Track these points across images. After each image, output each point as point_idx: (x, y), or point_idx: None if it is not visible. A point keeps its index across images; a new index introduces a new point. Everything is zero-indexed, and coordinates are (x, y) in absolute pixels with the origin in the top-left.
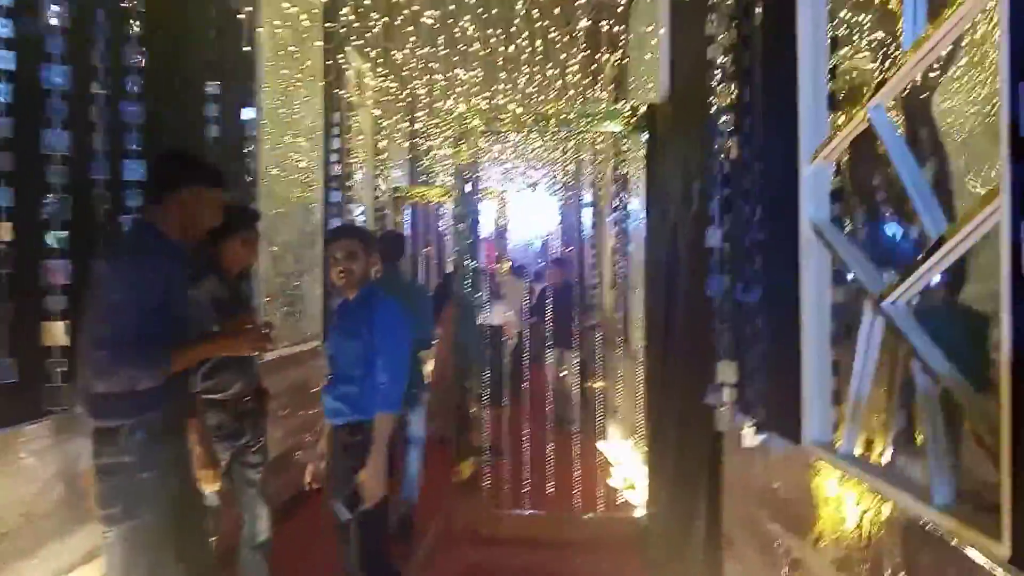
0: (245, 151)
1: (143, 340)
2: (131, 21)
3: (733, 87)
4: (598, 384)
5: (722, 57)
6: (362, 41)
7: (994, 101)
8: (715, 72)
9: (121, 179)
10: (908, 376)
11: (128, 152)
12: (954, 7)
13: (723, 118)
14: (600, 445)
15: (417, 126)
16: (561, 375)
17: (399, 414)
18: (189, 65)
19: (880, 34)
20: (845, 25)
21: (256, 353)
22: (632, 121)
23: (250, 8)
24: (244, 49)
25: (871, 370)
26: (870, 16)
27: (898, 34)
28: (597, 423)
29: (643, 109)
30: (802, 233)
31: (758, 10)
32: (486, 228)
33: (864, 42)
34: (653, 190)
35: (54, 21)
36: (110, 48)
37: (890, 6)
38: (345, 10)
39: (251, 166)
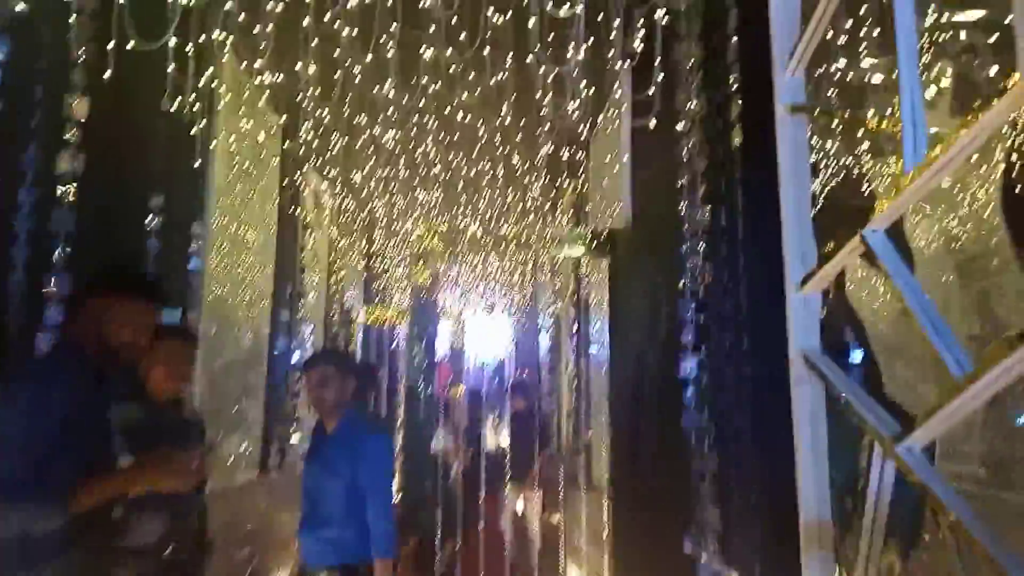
0: (188, 267)
1: (40, 476)
2: (69, 126)
3: (707, 211)
4: (557, 519)
5: (695, 181)
6: (321, 161)
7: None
8: (684, 197)
9: (41, 292)
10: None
11: (53, 264)
12: (961, 129)
13: (694, 243)
14: None
15: (374, 246)
16: (519, 511)
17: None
18: (132, 176)
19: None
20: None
21: (182, 490)
22: (593, 245)
23: (204, 122)
24: (195, 163)
25: (883, 523)
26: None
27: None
28: (557, 563)
29: (604, 234)
30: (792, 365)
31: (736, 134)
32: (441, 350)
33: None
34: (615, 315)
35: None
36: (44, 152)
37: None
38: (304, 129)
39: (193, 282)
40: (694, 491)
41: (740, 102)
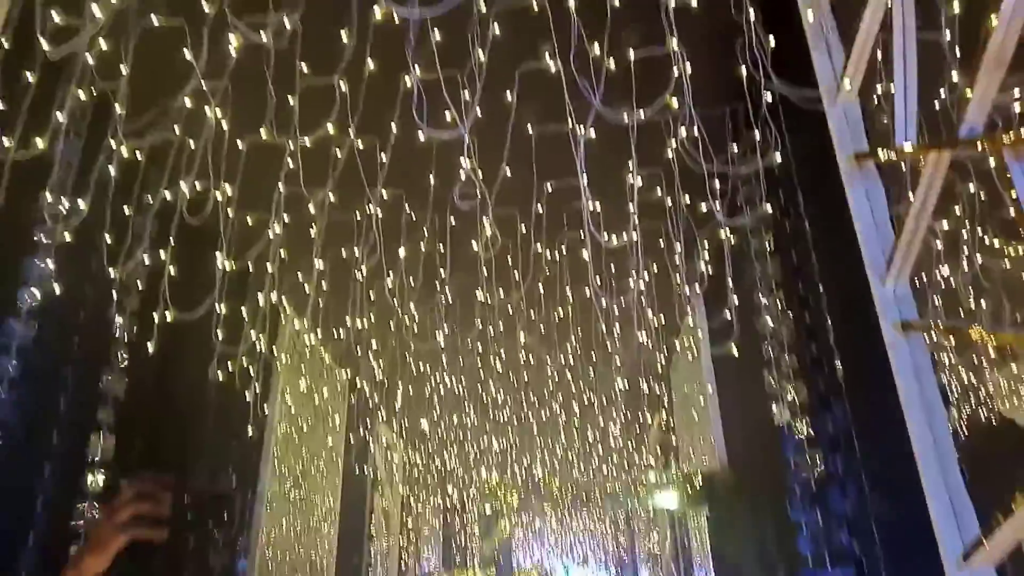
0: (239, 548)
1: None
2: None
3: (816, 457)
4: None
5: (795, 418)
6: (389, 413)
7: None
8: (786, 438)
9: None
10: None
11: None
12: None
13: (806, 496)
14: None
15: (448, 502)
16: None
17: None
18: (175, 451)
19: None
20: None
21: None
22: (688, 492)
23: (259, 387)
24: (248, 432)
25: None
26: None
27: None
28: None
29: (699, 477)
30: None
31: (836, 360)
32: None
33: None
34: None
35: None
36: (73, 437)
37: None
38: (369, 383)
39: (241, 567)
40: None
41: (834, 322)
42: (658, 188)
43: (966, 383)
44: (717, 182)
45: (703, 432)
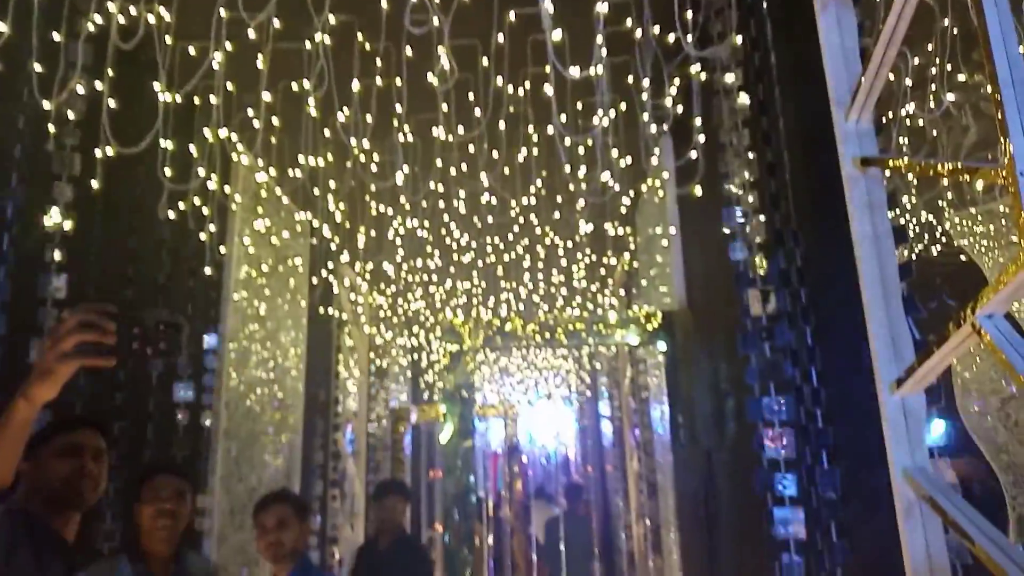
0: (203, 385)
1: None
2: (52, 246)
3: (769, 293)
4: None
5: (747, 257)
6: (352, 255)
7: None
8: (741, 275)
9: None
10: None
11: None
12: None
13: (757, 330)
14: None
15: (415, 341)
16: None
17: None
18: (128, 291)
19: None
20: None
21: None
22: (648, 330)
23: (214, 227)
24: (206, 272)
25: None
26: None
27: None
28: None
29: (658, 317)
30: (895, 488)
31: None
32: (496, 444)
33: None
34: (678, 408)
35: None
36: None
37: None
38: (329, 224)
39: (207, 402)
40: None
41: (793, 159)
42: (628, 20)
43: (924, 222)
44: (689, 12)
45: (665, 272)
